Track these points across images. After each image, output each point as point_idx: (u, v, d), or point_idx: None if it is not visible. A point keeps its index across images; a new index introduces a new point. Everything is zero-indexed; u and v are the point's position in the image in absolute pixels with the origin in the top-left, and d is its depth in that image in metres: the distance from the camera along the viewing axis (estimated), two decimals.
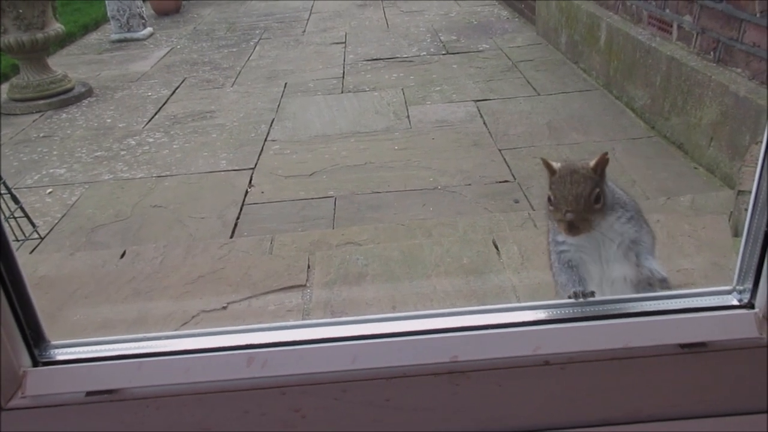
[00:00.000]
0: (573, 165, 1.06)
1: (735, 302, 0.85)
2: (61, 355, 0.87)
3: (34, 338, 0.85)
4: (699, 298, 0.87)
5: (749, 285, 0.84)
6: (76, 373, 0.84)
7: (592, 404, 0.86)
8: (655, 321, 0.83)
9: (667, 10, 3.35)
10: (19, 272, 0.83)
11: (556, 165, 1.08)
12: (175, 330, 1.61)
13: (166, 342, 0.87)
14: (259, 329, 0.87)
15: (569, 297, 0.97)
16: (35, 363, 0.85)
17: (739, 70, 2.76)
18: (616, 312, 0.85)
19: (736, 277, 0.87)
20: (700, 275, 1.65)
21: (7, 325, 0.81)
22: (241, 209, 2.96)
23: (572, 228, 0.99)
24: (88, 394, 0.82)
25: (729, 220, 1.92)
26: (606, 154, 1.05)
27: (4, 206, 2.52)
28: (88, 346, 0.87)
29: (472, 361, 0.84)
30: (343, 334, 0.85)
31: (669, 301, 0.86)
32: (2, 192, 2.54)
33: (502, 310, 0.86)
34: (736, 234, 1.81)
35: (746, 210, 0.83)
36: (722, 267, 1.69)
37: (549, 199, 1.05)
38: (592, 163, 1.04)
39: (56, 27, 4.77)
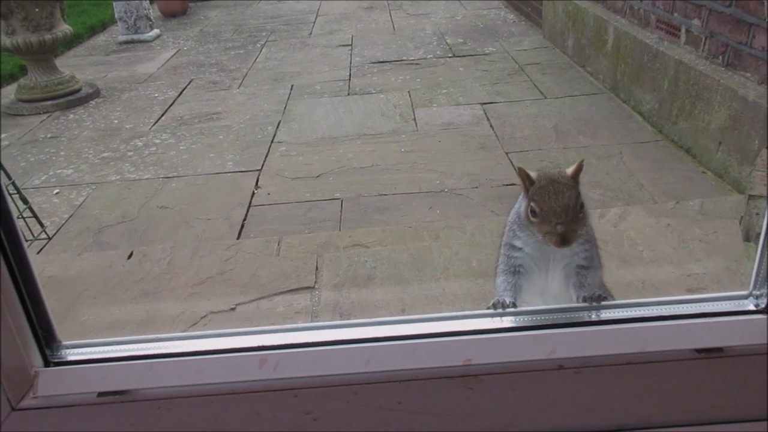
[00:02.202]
0: (550, 174, 1.01)
1: (752, 307, 0.85)
2: (72, 355, 0.86)
3: (46, 338, 0.85)
4: (715, 303, 0.86)
5: (766, 290, 0.84)
6: (88, 373, 0.84)
7: (606, 409, 0.85)
8: (670, 326, 0.83)
9: (676, 14, 3.34)
10: (32, 273, 0.83)
11: (533, 174, 1.02)
12: (184, 331, 1.61)
13: (177, 343, 0.87)
14: (271, 331, 0.87)
15: (492, 304, 0.97)
16: (47, 363, 0.85)
17: (748, 74, 2.75)
18: (631, 316, 0.85)
19: (752, 282, 0.86)
20: (712, 280, 1.64)
21: (20, 325, 0.81)
22: (247, 211, 2.95)
23: (564, 240, 0.95)
24: (100, 394, 0.82)
25: (740, 225, 1.91)
26: (582, 160, 1.01)
27: (12, 206, 2.52)
28: (99, 347, 0.87)
29: (486, 364, 0.83)
30: (356, 336, 0.84)
31: (685, 305, 0.85)
32: (11, 192, 2.54)
33: (516, 313, 0.86)
34: (748, 239, 1.80)
35: (757, 214, 0.83)
36: (734, 272, 1.68)
37: (533, 211, 0.99)
38: (570, 170, 1.00)
39: (64, 28, 4.78)
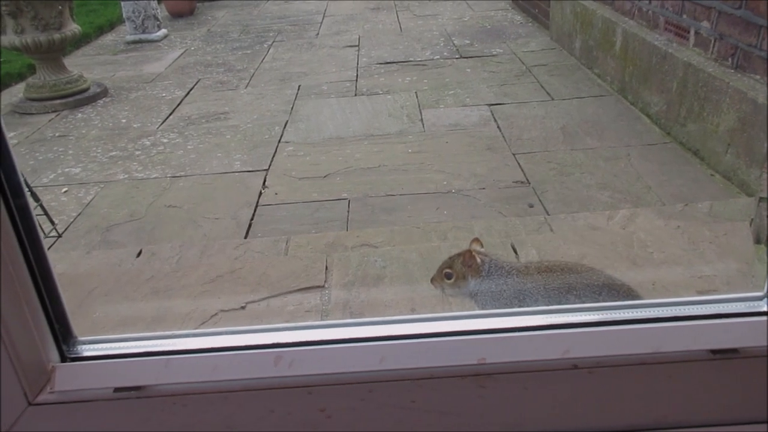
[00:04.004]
0: (458, 255, 1.48)
1: (766, 309, 0.84)
2: (88, 351, 0.87)
3: (63, 334, 0.86)
4: (730, 304, 0.86)
5: None
6: (104, 369, 0.84)
7: (620, 409, 0.86)
8: (685, 326, 0.83)
9: (684, 16, 3.33)
10: (49, 268, 0.84)
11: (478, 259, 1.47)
12: (195, 329, 1.62)
13: (193, 340, 0.87)
14: (286, 328, 0.87)
15: None
16: (63, 358, 0.85)
17: (757, 76, 2.75)
18: (646, 317, 0.85)
19: (767, 283, 0.86)
20: (723, 282, 1.63)
21: (37, 320, 0.82)
22: (255, 210, 2.96)
23: (432, 280, 1.51)
24: (116, 390, 0.82)
25: (750, 227, 1.91)
26: (468, 250, 1.44)
27: None
28: (115, 343, 0.87)
29: (500, 363, 0.83)
30: (371, 335, 0.85)
31: (699, 306, 0.85)
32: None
33: (530, 312, 0.86)
34: (758, 241, 1.80)
35: None
36: (745, 274, 1.68)
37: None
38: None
39: (73, 28, 4.81)
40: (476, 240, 1.51)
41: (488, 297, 1.41)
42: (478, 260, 1.42)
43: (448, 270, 1.45)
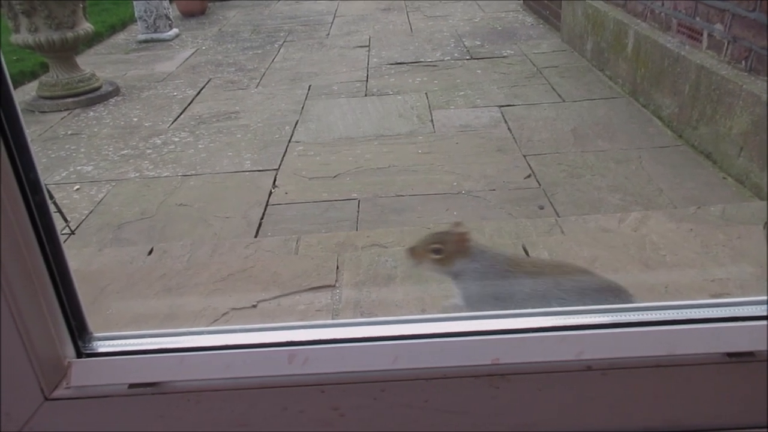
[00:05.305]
0: (446, 233, 1.48)
1: None
2: (104, 347, 0.88)
3: (79, 329, 0.86)
4: (745, 307, 0.85)
5: None
6: (120, 365, 0.85)
7: (634, 411, 0.85)
8: (701, 329, 0.82)
9: (698, 18, 3.32)
10: (66, 264, 0.85)
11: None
12: (207, 326, 1.63)
13: (207, 337, 0.88)
14: (299, 326, 0.87)
15: None
16: (79, 354, 0.86)
17: None
18: (661, 319, 0.84)
19: None
20: (736, 285, 1.62)
21: (54, 316, 0.83)
22: (265, 209, 2.97)
23: (412, 251, 1.50)
24: (131, 386, 0.83)
25: (764, 231, 1.89)
26: (465, 232, 1.44)
27: None
28: (130, 339, 0.88)
29: (513, 364, 0.83)
30: (385, 334, 0.85)
31: (715, 309, 0.85)
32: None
33: (545, 314, 0.86)
34: None
35: None
36: (759, 277, 1.67)
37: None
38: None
39: (86, 26, 4.84)
40: (458, 224, 1.52)
41: (471, 279, 1.41)
42: (471, 244, 1.44)
43: (438, 246, 1.43)
